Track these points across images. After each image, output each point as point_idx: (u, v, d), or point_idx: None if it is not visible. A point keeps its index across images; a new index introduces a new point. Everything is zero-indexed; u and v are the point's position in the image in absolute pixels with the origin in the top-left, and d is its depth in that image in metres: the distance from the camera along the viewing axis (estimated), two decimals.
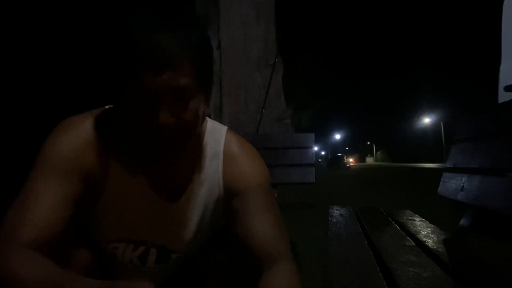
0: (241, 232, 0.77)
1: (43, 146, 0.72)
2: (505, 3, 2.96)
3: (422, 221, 1.68)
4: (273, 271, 0.74)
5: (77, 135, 0.72)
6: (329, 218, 1.72)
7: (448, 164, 1.84)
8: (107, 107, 0.78)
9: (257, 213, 0.78)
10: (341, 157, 36.87)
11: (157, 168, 0.77)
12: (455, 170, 1.75)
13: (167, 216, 0.80)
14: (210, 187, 0.82)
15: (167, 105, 0.63)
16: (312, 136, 2.32)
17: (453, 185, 1.68)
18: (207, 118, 0.84)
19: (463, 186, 1.55)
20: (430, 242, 1.21)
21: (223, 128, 0.87)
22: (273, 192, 0.85)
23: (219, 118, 3.55)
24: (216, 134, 0.84)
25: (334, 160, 35.69)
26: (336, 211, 1.93)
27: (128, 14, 0.64)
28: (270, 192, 0.83)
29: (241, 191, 0.80)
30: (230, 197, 0.81)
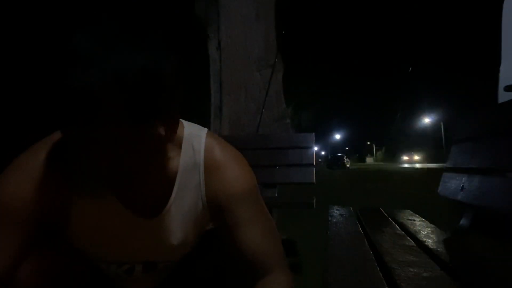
0: (232, 244, 0.74)
1: None
2: (505, 3, 2.96)
3: (422, 221, 1.68)
4: (266, 281, 0.72)
5: (27, 176, 0.66)
6: (329, 218, 1.72)
7: (448, 164, 1.84)
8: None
9: (247, 224, 0.74)
10: (341, 157, 36.69)
11: (130, 185, 0.71)
12: (455, 170, 1.75)
13: (147, 233, 0.76)
14: (192, 200, 0.77)
15: (103, 154, 0.59)
16: (312, 136, 2.32)
17: (453, 185, 1.68)
18: (184, 122, 0.79)
19: (463, 186, 1.54)
20: (430, 242, 1.21)
21: (202, 133, 0.80)
22: (261, 197, 0.81)
23: (219, 118, 3.54)
24: (194, 142, 0.77)
25: (334, 160, 35.60)
26: (336, 211, 1.93)
27: (63, 45, 0.55)
28: (258, 199, 0.79)
29: (227, 203, 0.75)
30: (216, 209, 0.77)
